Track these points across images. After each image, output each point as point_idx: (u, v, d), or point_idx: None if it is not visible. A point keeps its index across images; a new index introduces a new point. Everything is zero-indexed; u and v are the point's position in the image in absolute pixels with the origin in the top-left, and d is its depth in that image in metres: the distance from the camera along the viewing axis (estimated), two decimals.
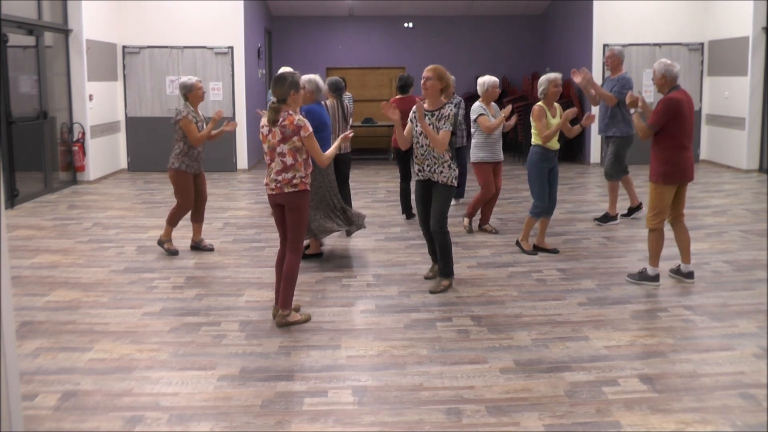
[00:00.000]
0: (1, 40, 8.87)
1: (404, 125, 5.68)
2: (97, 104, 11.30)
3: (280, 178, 4.81)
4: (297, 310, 5.13)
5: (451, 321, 5.00)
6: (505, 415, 3.63)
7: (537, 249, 6.79)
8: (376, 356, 4.41)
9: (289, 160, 4.78)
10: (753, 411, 3.64)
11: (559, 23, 14.69)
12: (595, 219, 8.08)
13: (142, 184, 11.05)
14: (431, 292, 5.59)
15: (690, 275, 5.83)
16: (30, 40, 9.93)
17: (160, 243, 6.82)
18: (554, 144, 6.62)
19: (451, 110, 5.40)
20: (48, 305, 5.37)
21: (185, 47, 12.18)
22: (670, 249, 6.22)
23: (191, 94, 6.69)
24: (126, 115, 12.26)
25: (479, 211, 7.76)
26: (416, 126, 5.48)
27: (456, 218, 8.00)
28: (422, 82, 5.43)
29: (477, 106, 7.39)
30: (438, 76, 5.37)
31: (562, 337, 4.68)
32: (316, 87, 6.32)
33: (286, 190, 4.81)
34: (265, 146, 4.88)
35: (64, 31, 10.61)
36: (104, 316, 5.14)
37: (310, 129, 4.79)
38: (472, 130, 7.48)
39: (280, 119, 4.76)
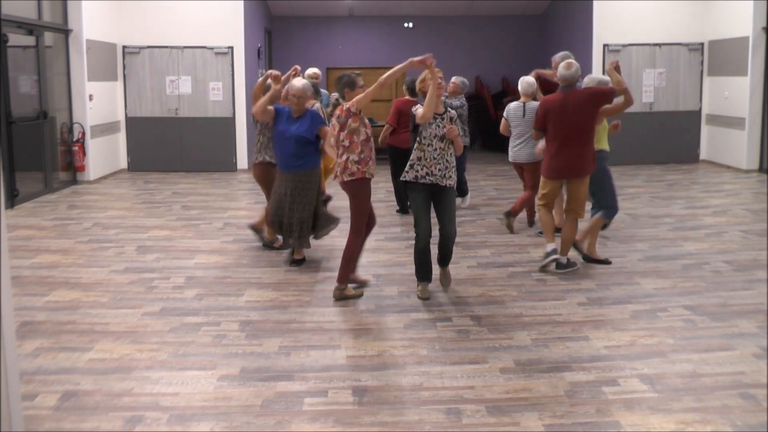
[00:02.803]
0: (1, 40, 8.87)
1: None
2: (97, 104, 11.30)
3: (340, 161, 5.33)
4: (365, 285, 5.75)
5: (451, 321, 5.00)
6: (505, 415, 3.63)
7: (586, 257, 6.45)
8: (376, 356, 4.41)
9: (345, 142, 5.29)
10: (753, 411, 3.64)
11: (559, 23, 14.69)
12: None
13: (142, 184, 11.05)
14: (444, 286, 5.71)
15: (560, 265, 6.06)
16: (30, 40, 9.93)
17: (269, 245, 6.91)
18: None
19: (453, 113, 5.52)
20: (48, 305, 5.37)
21: (185, 47, 12.18)
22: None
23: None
24: (126, 115, 12.26)
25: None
26: (426, 129, 5.32)
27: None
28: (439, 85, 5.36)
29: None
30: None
31: (562, 337, 4.68)
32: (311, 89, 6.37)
33: (345, 179, 5.31)
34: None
35: (64, 31, 10.60)
36: (104, 316, 5.14)
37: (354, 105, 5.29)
38: (522, 128, 7.34)
39: (337, 113, 5.38)
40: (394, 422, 3.58)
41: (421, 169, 5.32)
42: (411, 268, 6.27)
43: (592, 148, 5.96)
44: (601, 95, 5.87)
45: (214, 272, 6.25)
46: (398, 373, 4.15)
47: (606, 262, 6.35)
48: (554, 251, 6.10)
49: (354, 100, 5.29)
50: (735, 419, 3.56)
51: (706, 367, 4.18)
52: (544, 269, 6.14)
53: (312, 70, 8.52)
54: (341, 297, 5.46)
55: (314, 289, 5.73)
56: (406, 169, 5.39)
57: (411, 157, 5.38)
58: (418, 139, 5.35)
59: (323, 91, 8.76)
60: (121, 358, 4.38)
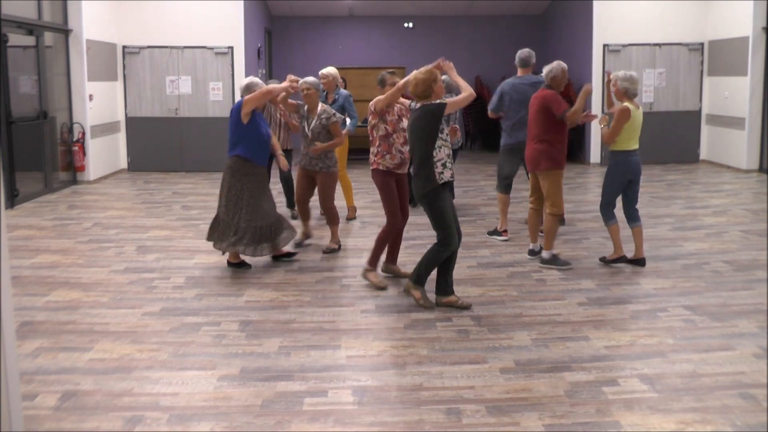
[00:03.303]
0: (1, 40, 8.87)
1: None
2: (97, 104, 11.30)
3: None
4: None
5: (451, 321, 5.00)
6: (505, 415, 3.63)
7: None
8: (376, 356, 4.41)
9: (370, 137, 5.82)
10: (753, 411, 3.64)
11: (559, 23, 14.69)
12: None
13: (142, 184, 11.05)
14: (465, 306, 5.24)
15: (543, 261, 6.32)
16: (30, 40, 9.93)
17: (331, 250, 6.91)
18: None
19: None
20: (48, 305, 5.37)
21: (185, 47, 12.18)
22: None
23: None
24: (126, 115, 12.26)
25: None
26: (444, 127, 5.16)
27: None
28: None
29: None
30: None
31: (562, 337, 4.69)
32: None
33: (371, 168, 5.82)
34: None
35: (64, 31, 10.61)
36: (104, 316, 5.14)
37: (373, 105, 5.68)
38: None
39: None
40: (394, 422, 3.58)
41: (450, 168, 5.16)
42: (411, 268, 6.26)
43: (545, 147, 6.14)
44: (547, 101, 6.18)
45: (214, 272, 6.25)
46: (398, 373, 4.16)
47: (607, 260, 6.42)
48: (534, 251, 6.60)
49: (375, 99, 5.66)
50: (735, 419, 3.56)
51: (706, 367, 4.18)
52: (544, 263, 6.34)
53: (322, 71, 8.27)
54: (365, 277, 5.84)
55: (314, 289, 5.73)
56: (439, 170, 5.06)
57: (439, 156, 5.07)
58: (440, 136, 5.09)
59: (343, 91, 8.60)
60: (121, 358, 4.38)
